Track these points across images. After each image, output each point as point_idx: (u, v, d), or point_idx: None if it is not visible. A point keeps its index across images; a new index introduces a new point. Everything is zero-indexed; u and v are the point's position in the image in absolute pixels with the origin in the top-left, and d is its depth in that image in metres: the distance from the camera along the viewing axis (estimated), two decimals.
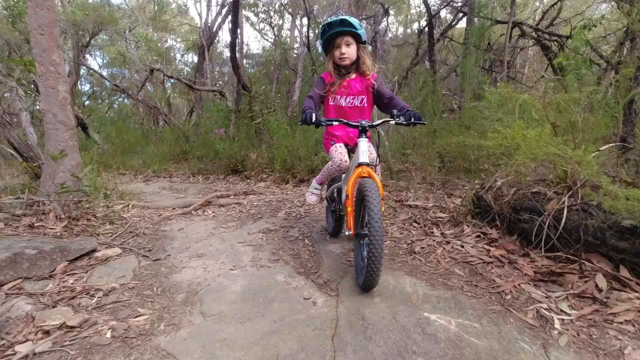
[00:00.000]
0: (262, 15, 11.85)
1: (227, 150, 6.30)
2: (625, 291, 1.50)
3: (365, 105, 2.36)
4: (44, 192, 3.32)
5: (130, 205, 3.94)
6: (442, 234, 2.40)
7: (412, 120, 1.96)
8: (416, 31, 7.68)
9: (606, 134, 2.22)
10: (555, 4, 8.42)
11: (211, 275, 2.18)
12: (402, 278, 1.98)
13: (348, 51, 2.23)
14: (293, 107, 7.85)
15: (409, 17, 11.52)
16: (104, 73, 14.97)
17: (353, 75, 2.33)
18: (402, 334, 1.46)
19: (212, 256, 2.50)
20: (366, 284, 1.74)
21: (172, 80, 11.76)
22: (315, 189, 2.63)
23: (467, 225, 2.37)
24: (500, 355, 1.28)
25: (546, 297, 1.58)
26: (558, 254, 1.78)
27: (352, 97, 2.34)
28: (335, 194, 2.54)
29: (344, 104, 2.35)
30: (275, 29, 14.19)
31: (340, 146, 2.29)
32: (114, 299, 1.87)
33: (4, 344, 1.46)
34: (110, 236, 2.85)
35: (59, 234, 2.69)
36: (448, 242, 2.25)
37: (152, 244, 2.75)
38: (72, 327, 1.60)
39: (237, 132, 7.43)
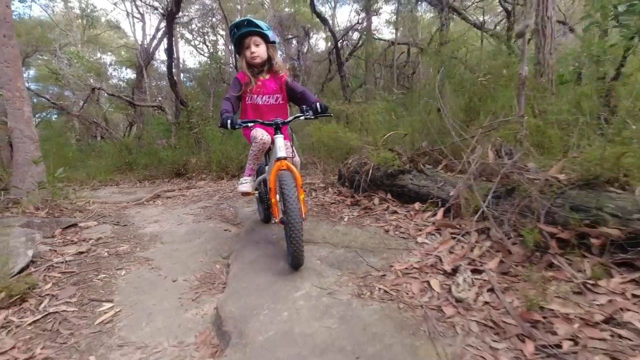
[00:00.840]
0: (195, 34, 12.86)
1: (171, 157, 7.32)
2: (386, 204, 2.99)
3: (281, 102, 2.51)
4: (17, 192, 4.24)
5: (90, 202, 4.90)
6: (315, 193, 3.82)
7: (319, 112, 2.16)
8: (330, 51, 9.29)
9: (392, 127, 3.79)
10: (439, 29, 10.57)
11: (165, 228, 3.37)
12: None
13: (258, 50, 2.34)
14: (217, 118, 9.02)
15: (327, 36, 13.26)
16: (32, 87, 14.86)
17: (267, 75, 2.45)
18: (270, 230, 2.80)
19: (164, 221, 3.68)
20: (294, 263, 1.93)
21: (106, 96, 12.28)
22: (245, 180, 2.68)
23: (331, 188, 3.82)
24: (318, 227, 2.67)
25: (350, 212, 3.03)
26: (366, 193, 3.25)
27: (267, 95, 2.46)
28: (262, 185, 2.69)
29: (260, 103, 2.47)
30: (210, 44, 15.23)
31: (260, 128, 2.32)
32: (103, 242, 3.00)
33: (47, 259, 2.57)
34: (84, 217, 3.88)
35: (45, 216, 3.67)
36: (316, 197, 3.67)
37: (119, 219, 3.84)
38: (82, 252, 2.72)
39: (178, 141, 8.44)
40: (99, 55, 17.25)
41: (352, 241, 2.35)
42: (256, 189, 2.63)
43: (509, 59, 3.40)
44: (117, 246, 2.88)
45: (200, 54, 14.21)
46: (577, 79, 3.42)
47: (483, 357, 1.21)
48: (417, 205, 2.70)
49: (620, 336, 1.20)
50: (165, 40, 8.84)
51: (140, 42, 9.90)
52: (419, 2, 9.15)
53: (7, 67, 4.55)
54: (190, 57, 24.32)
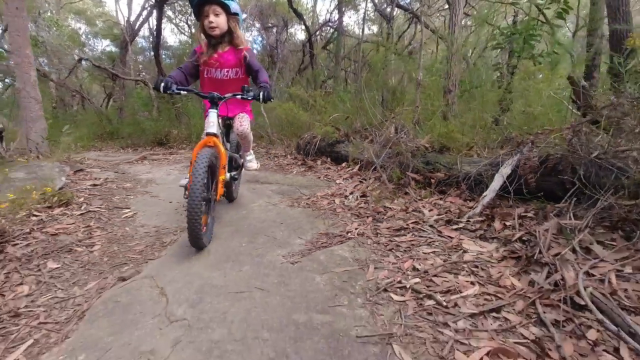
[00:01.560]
0: (178, 13, 13.42)
1: (153, 127, 8.13)
2: (325, 164, 4.09)
3: (241, 76, 2.42)
4: (27, 145, 5.05)
5: (85, 158, 5.73)
6: (277, 159, 4.89)
7: (260, 97, 2.07)
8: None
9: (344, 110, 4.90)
10: (405, 31, 11.78)
11: (157, 176, 4.34)
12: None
13: (217, 20, 2.20)
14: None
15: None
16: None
17: (226, 48, 2.33)
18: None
19: (155, 172, 4.64)
20: (189, 240, 1.88)
21: (84, 66, 12.69)
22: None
23: (290, 156, 4.90)
24: (274, 175, 3.74)
25: (298, 169, 4.13)
26: (314, 157, 4.35)
27: (226, 69, 2.37)
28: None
29: (219, 77, 2.39)
30: (191, 23, 15.74)
31: (207, 119, 2.19)
32: (110, 180, 3.94)
33: (72, 186, 3.50)
34: (87, 166, 4.75)
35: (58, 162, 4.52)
36: (277, 160, 4.75)
37: (117, 170, 4.75)
38: (97, 185, 3.66)
39: (159, 114, 9.21)
40: (72, 22, 17.26)
41: (294, 183, 3.45)
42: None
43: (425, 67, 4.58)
44: (122, 184, 3.84)
45: (181, 32, 14.75)
46: (475, 87, 4.64)
47: (345, 223, 2.34)
48: (344, 164, 3.83)
49: (415, 211, 2.36)
50: (151, 19, 9.49)
51: (126, 18, 10.44)
52: (391, 6, 10.27)
53: (17, 36, 5.29)
54: (170, 34, 24.34)
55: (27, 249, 2.06)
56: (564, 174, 2.03)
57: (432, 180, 2.82)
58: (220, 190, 2.23)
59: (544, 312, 1.22)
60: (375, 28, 13.05)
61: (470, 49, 5.75)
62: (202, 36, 2.29)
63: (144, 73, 10.84)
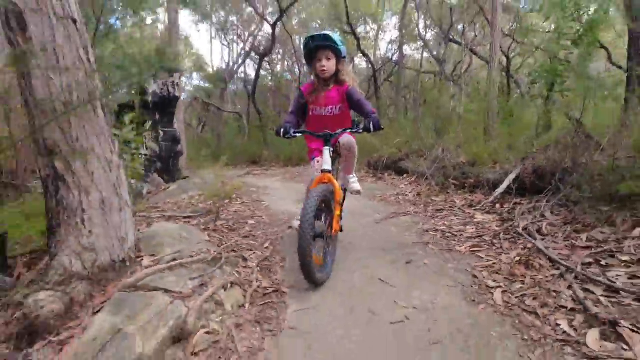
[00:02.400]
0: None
1: (248, 150, 10.27)
2: (390, 176, 5.57)
3: (345, 111, 2.52)
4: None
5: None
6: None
7: (371, 128, 2.15)
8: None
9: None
10: (459, 62, 12.95)
11: (266, 184, 6.15)
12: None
13: (328, 65, 2.36)
14: None
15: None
16: None
17: (331, 87, 2.47)
18: None
19: (263, 182, 6.48)
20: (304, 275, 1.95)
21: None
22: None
23: (364, 171, 6.44)
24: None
25: (371, 179, 5.64)
26: (382, 172, 5.86)
27: (331, 106, 2.49)
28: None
29: (324, 113, 2.52)
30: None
31: (318, 161, 2.42)
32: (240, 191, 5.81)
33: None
34: None
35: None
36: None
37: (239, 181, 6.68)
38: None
39: (249, 139, 11.43)
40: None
41: (369, 188, 4.98)
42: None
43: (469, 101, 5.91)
44: (249, 188, 5.67)
45: (272, 77, 17.49)
46: (511, 116, 5.83)
47: (406, 207, 3.80)
48: (405, 175, 5.28)
49: (451, 201, 3.73)
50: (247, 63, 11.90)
51: (226, 63, 13.16)
52: (446, 42, 11.64)
53: None
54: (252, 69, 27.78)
55: (229, 218, 3.82)
56: (545, 178, 3.30)
57: (465, 184, 4.16)
58: (336, 225, 2.29)
59: (502, 236, 2.58)
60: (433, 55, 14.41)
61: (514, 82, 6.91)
62: (314, 77, 2.51)
63: (239, 107, 13.37)
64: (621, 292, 1.67)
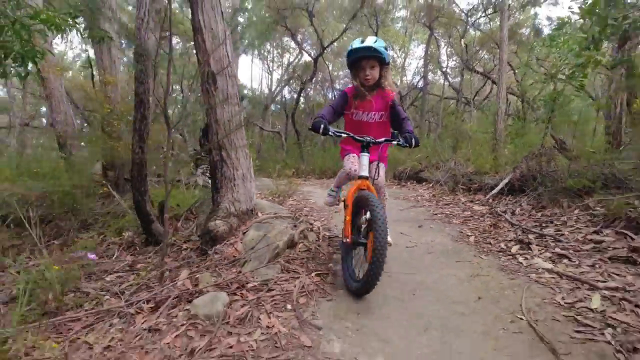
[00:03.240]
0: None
1: (289, 164, 11.71)
2: (412, 185, 6.77)
3: (385, 120, 2.52)
4: None
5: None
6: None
7: (413, 143, 2.14)
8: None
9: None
10: (480, 89, 14.09)
11: (309, 190, 7.46)
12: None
13: (372, 73, 2.36)
14: (322, 141, 13.40)
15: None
16: None
17: (374, 93, 2.45)
18: None
19: (306, 188, 7.80)
20: (364, 288, 1.92)
21: None
22: (332, 191, 2.99)
23: (390, 180, 7.67)
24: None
25: (395, 187, 6.86)
26: (405, 181, 7.08)
27: (373, 112, 2.49)
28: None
29: (365, 119, 2.52)
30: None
31: (353, 156, 2.46)
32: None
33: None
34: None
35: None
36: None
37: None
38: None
39: (287, 154, 12.90)
40: None
41: (393, 192, 6.20)
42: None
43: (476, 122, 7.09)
44: (298, 192, 7.00)
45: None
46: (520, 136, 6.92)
47: (422, 203, 5.00)
48: (424, 183, 6.47)
49: (457, 199, 4.90)
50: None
51: (268, 88, 14.94)
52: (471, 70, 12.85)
53: None
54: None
55: (292, 204, 5.12)
56: (528, 181, 4.43)
57: (470, 188, 5.31)
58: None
59: (487, 215, 3.74)
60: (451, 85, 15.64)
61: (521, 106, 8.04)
62: (358, 85, 2.42)
63: (279, 126, 15.04)
64: (546, 236, 2.82)
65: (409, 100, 14.22)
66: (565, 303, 1.83)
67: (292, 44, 14.77)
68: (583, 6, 3.53)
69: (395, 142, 2.21)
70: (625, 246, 2.36)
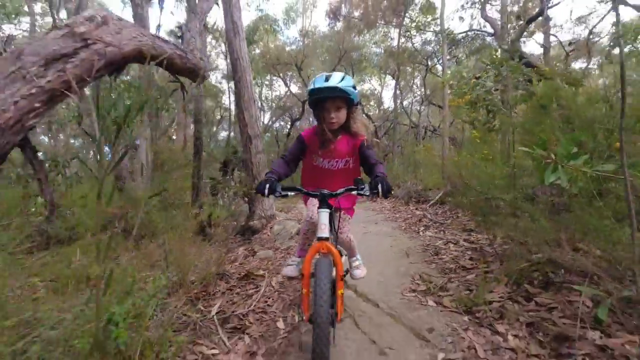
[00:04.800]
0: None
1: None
2: (415, 205, 8.93)
3: (351, 166, 2.20)
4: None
5: None
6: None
7: (380, 191, 1.72)
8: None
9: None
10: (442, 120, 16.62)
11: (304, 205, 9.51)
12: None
13: (337, 115, 2.03)
14: None
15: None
16: None
17: (340, 137, 2.12)
18: None
19: (302, 204, 9.85)
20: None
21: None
22: (292, 261, 2.48)
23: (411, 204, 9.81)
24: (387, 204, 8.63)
25: (400, 206, 9.00)
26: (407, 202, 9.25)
27: (336, 160, 2.18)
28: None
29: (326, 166, 2.20)
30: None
31: (314, 205, 2.10)
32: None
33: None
34: None
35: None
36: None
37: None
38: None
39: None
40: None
41: (367, 205, 8.31)
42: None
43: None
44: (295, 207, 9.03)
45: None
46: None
47: (383, 211, 7.12)
48: (390, 199, 8.62)
49: (408, 208, 7.04)
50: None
51: (263, 122, 17.23)
52: (421, 106, 15.35)
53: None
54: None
55: (296, 212, 7.14)
56: (455, 193, 6.61)
57: (419, 200, 7.46)
58: (341, 307, 1.85)
59: (418, 217, 5.89)
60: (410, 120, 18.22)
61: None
62: (319, 129, 2.10)
63: (272, 155, 17.28)
64: (439, 223, 4.93)
65: (383, 130, 16.61)
66: (425, 245, 3.95)
67: (282, 84, 17.36)
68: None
69: (355, 193, 1.81)
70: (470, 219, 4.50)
